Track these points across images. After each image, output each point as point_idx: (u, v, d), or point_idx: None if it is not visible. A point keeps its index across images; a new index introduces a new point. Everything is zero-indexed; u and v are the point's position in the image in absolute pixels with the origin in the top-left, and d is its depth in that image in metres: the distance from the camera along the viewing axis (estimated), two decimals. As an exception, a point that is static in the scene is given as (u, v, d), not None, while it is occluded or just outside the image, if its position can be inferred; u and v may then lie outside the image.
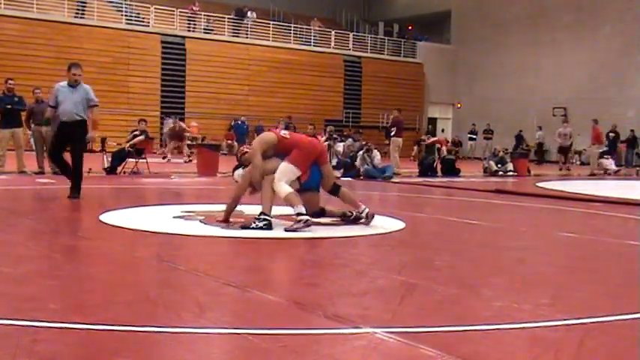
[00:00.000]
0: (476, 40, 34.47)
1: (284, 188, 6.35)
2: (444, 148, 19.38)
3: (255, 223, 6.18)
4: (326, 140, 16.93)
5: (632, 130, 27.61)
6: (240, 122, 27.32)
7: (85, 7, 26.93)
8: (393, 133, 17.55)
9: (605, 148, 21.63)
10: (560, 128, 22.94)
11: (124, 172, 13.54)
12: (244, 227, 6.20)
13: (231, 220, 6.63)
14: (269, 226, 6.17)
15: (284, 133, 7.05)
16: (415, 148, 26.59)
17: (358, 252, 5.64)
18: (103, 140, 15.39)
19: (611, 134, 25.46)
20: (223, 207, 6.77)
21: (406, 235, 6.57)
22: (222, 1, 31.64)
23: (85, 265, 4.67)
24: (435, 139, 26.96)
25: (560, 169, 21.96)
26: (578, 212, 9.54)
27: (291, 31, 31.70)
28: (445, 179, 15.85)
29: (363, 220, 6.72)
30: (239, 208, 6.81)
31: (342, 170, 15.54)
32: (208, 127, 26.84)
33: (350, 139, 18.12)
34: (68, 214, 8.05)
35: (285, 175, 6.46)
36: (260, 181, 6.50)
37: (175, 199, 10.19)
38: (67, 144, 8.79)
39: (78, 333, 3.01)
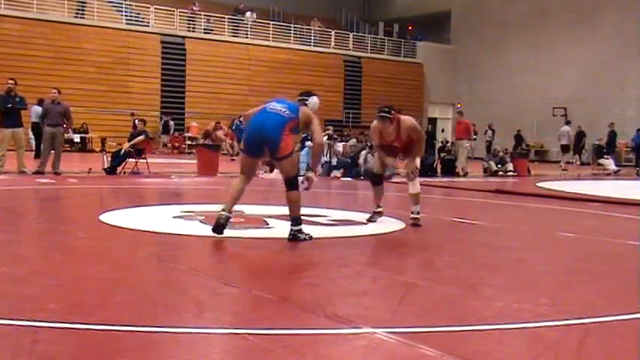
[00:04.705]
0: (476, 40, 34.43)
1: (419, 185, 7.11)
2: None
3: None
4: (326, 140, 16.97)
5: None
6: (240, 122, 27.29)
7: (84, 7, 26.89)
8: None
9: (467, 144, 19.91)
10: (563, 127, 24.89)
11: (124, 172, 13.54)
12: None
13: (232, 220, 6.61)
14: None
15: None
16: None
17: (358, 252, 5.63)
18: (103, 140, 15.37)
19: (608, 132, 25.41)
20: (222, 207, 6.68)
21: (406, 235, 6.57)
22: (223, 1, 31.61)
23: (85, 265, 4.66)
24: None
25: (565, 170, 21.93)
26: (578, 212, 9.53)
27: (291, 31, 31.67)
28: (445, 179, 15.85)
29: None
30: (238, 207, 6.77)
31: (342, 170, 15.53)
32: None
33: (354, 139, 18.12)
34: (68, 213, 8.06)
35: None
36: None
37: (175, 199, 10.19)
38: None
39: (78, 333, 3.01)
